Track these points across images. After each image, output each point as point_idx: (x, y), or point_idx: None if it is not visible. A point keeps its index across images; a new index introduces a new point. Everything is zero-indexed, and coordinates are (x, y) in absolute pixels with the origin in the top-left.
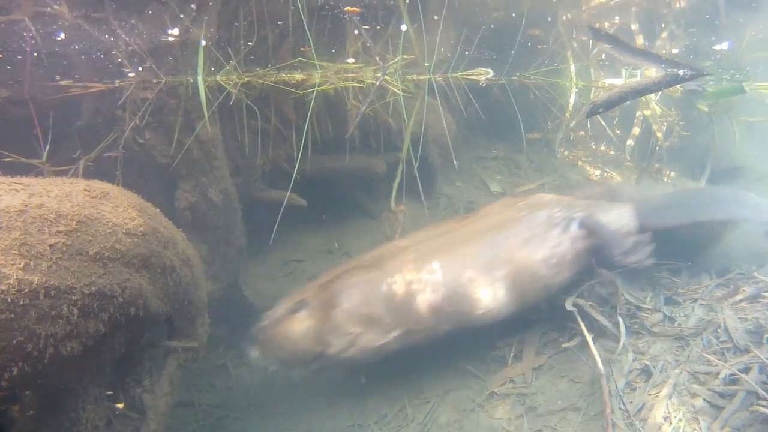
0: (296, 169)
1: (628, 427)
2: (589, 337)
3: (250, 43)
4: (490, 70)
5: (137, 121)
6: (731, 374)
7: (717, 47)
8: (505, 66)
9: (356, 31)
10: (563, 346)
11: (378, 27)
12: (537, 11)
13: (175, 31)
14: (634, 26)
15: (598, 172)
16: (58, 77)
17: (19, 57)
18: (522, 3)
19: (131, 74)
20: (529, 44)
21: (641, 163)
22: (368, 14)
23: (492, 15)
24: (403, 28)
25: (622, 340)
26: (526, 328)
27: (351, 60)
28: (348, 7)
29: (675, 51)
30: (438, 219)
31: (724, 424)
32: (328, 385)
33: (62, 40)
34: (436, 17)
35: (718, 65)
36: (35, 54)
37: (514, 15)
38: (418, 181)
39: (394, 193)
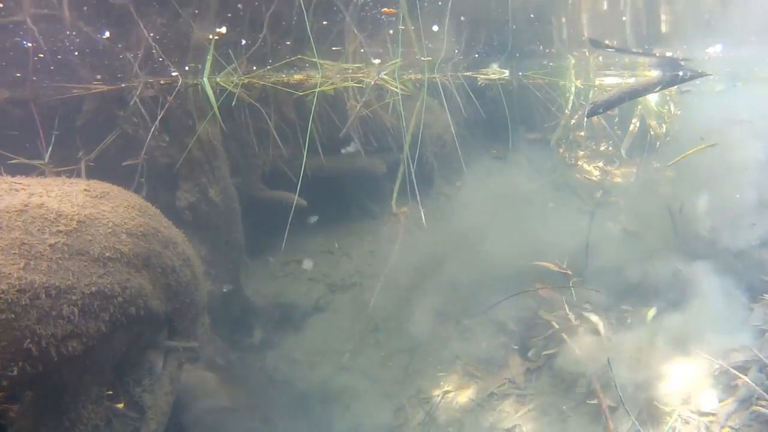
0: (302, 168)
1: (629, 427)
2: (569, 340)
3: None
4: (506, 71)
5: (158, 125)
6: (731, 374)
7: (710, 50)
8: (506, 66)
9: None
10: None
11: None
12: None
13: (223, 30)
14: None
15: (597, 172)
16: (98, 76)
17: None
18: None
19: (174, 73)
20: (528, 45)
21: (640, 161)
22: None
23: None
24: (435, 28)
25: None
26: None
27: (377, 61)
28: (385, 9)
29: (669, 54)
30: (436, 219)
31: (723, 424)
32: (328, 384)
33: (106, 38)
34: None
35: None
36: (76, 53)
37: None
38: (415, 183)
39: (395, 195)
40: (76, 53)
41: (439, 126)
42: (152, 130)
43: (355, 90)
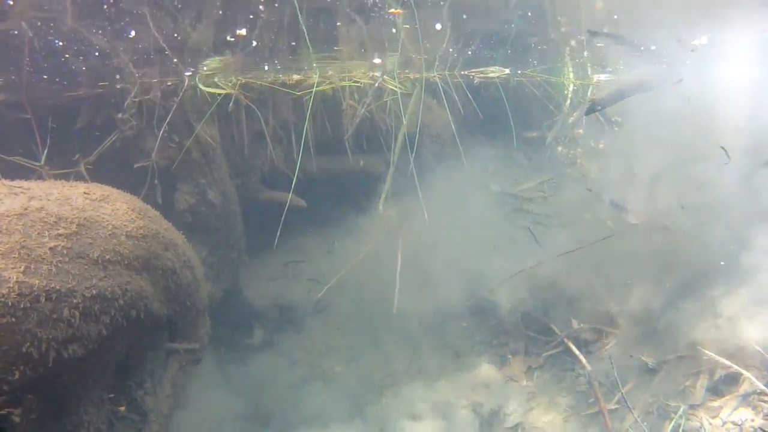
0: (297, 169)
1: (631, 423)
2: (570, 343)
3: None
4: (507, 70)
5: (166, 128)
6: (732, 370)
7: (696, 42)
8: (503, 64)
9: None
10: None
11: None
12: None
13: (243, 31)
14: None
15: (596, 169)
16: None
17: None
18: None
19: (188, 73)
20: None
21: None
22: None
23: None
24: (438, 27)
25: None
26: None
27: (378, 60)
28: (392, 9)
29: (653, 48)
30: (434, 218)
31: (725, 420)
32: (328, 382)
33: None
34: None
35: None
36: (74, 55)
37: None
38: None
39: (383, 196)
40: (75, 54)
41: (437, 125)
42: (161, 131)
43: (353, 89)
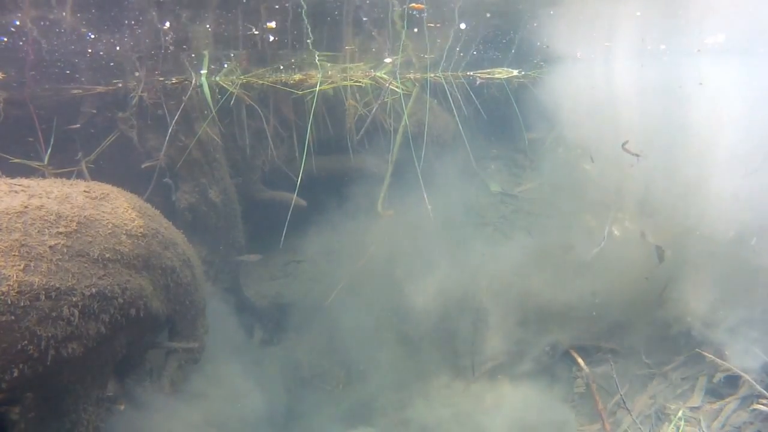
0: (301, 169)
1: (630, 426)
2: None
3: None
4: (516, 71)
5: (173, 127)
6: (732, 373)
7: (709, 40)
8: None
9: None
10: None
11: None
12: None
13: (273, 24)
14: None
15: (597, 172)
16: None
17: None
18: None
19: (202, 71)
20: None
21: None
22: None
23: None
24: (462, 26)
25: None
26: None
27: (388, 60)
28: (413, 4)
29: (663, 47)
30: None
31: (724, 423)
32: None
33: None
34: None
35: None
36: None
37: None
38: (421, 182)
39: (381, 195)
40: (77, 54)
41: (438, 125)
42: (169, 130)
43: (355, 89)
